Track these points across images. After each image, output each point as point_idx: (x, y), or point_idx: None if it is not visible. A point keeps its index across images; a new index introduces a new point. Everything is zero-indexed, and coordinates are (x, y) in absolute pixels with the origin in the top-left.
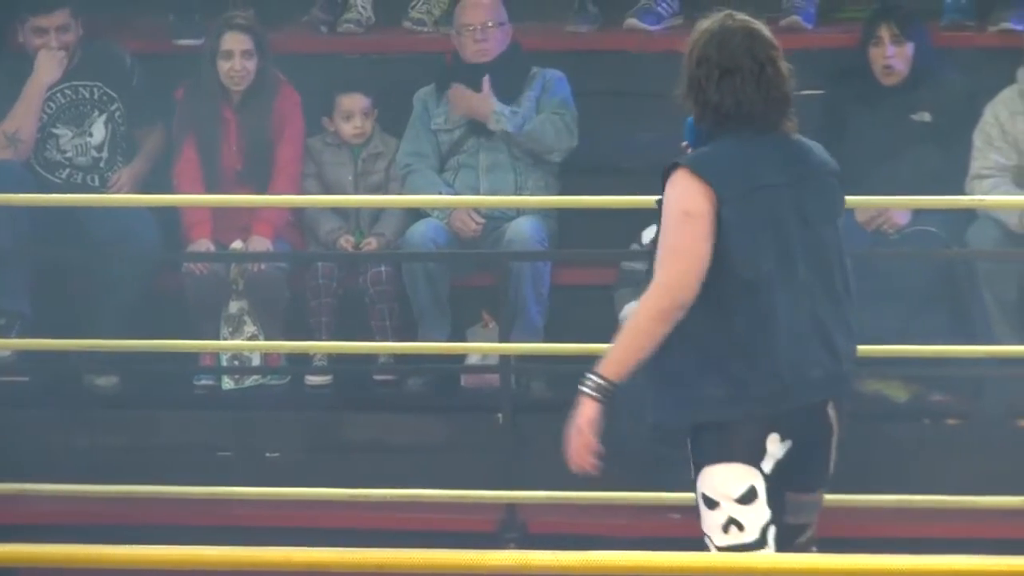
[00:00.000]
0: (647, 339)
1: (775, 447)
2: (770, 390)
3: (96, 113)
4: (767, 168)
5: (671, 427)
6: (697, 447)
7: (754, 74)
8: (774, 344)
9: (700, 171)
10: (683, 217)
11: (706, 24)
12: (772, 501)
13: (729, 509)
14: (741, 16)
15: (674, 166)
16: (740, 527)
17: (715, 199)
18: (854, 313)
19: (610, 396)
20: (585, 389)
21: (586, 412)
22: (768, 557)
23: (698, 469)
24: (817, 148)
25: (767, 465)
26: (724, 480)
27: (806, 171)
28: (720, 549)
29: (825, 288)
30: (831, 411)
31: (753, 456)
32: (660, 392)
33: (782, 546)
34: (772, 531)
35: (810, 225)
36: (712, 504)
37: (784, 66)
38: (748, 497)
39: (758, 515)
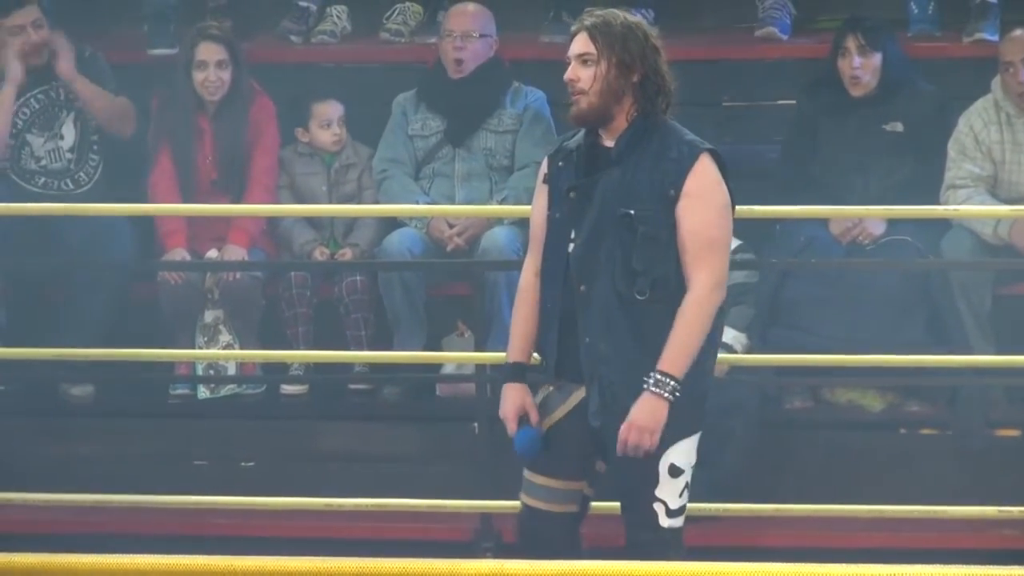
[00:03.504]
0: (704, 335)
1: None
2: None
3: (64, 113)
4: None
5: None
6: (673, 422)
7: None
8: None
9: (719, 159)
10: (725, 210)
11: (620, 16)
12: None
13: (687, 475)
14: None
15: (698, 149)
16: (688, 488)
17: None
18: None
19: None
20: (666, 393)
21: (663, 414)
22: (748, 566)
23: (670, 442)
24: None
25: None
26: (690, 449)
27: None
28: (672, 512)
29: None
30: None
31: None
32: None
33: None
34: None
35: None
36: (677, 472)
37: None
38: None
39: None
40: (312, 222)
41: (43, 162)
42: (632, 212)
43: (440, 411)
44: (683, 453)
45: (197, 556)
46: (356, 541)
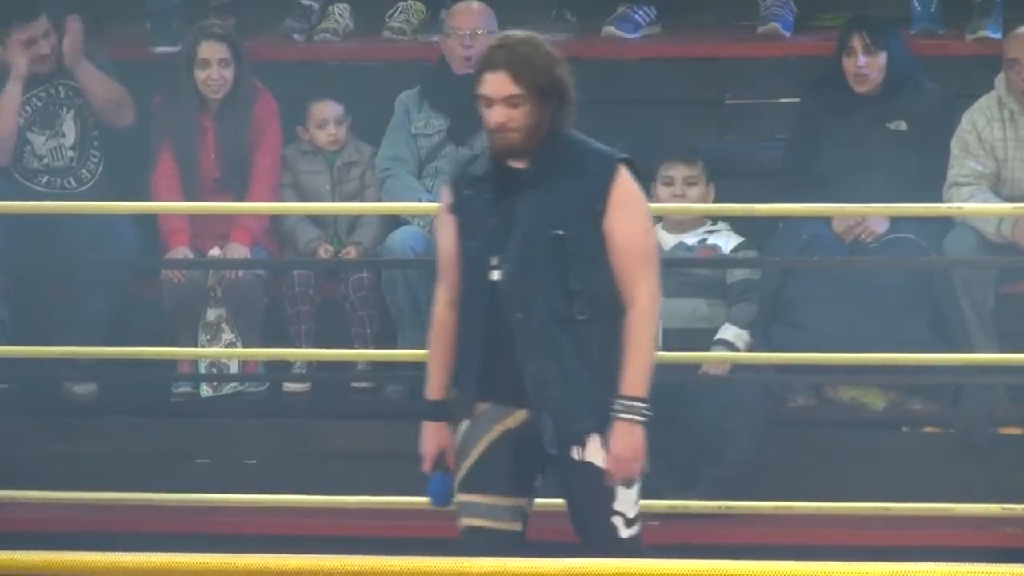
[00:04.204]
0: (656, 347)
1: None
2: None
3: (65, 111)
4: None
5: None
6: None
7: None
8: None
9: (635, 168)
10: (650, 219)
11: (525, 40)
12: None
13: (638, 486)
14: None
15: (615, 160)
16: (639, 492)
17: None
18: None
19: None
20: (638, 417)
21: (641, 437)
22: (751, 565)
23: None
24: None
25: None
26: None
27: None
28: (630, 521)
29: None
30: None
31: None
32: (604, 391)
33: None
34: None
35: None
36: (632, 484)
37: None
38: None
39: None
40: (316, 220)
41: (45, 160)
42: (562, 233)
43: None
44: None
45: (200, 554)
46: (359, 539)
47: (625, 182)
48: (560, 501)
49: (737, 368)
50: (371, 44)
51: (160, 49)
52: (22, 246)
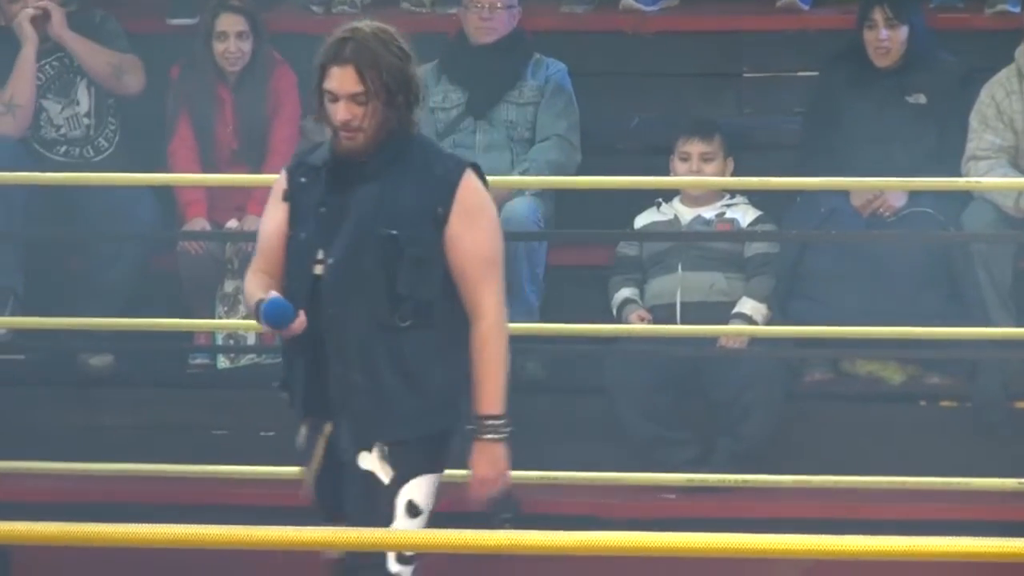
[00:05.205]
0: (507, 359)
1: None
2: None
3: (78, 79)
4: None
5: (422, 436)
6: (417, 456)
7: None
8: None
9: (481, 174)
10: (497, 226)
11: (374, 33)
12: None
13: (425, 518)
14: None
15: (462, 164)
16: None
17: None
18: None
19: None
20: (499, 435)
21: (504, 456)
22: (768, 538)
23: (408, 476)
24: None
25: None
26: (431, 491)
27: None
28: (404, 558)
29: None
30: None
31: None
32: (419, 403)
33: None
34: None
35: None
36: (415, 512)
37: None
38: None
39: None
40: None
41: (62, 130)
42: (396, 233)
43: None
44: (423, 492)
45: (217, 526)
46: None
47: (472, 187)
48: (592, 476)
49: (755, 342)
50: (389, 16)
51: (177, 21)
52: (43, 216)
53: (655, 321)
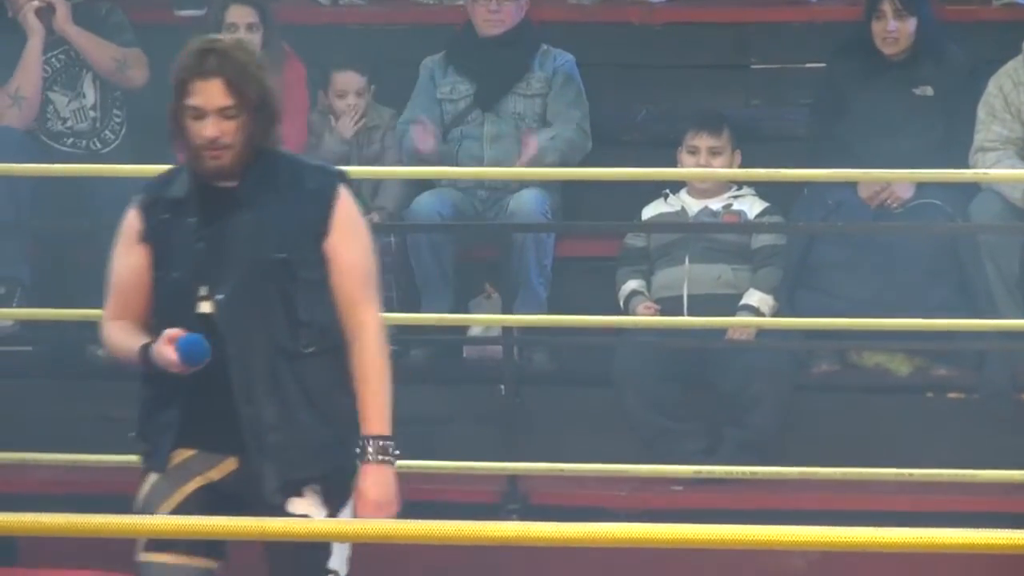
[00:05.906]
0: (390, 375)
1: None
2: None
3: (84, 72)
4: None
5: (338, 467)
6: (338, 487)
7: None
8: None
9: (349, 183)
10: (370, 240)
11: (229, 37)
12: None
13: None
14: None
15: (334, 178)
16: (351, 554)
17: None
18: None
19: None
20: (389, 457)
21: (393, 479)
22: (775, 529)
23: (338, 507)
24: None
25: None
26: (348, 555)
27: None
28: None
29: None
30: None
31: None
32: (331, 432)
33: None
34: None
35: None
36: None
37: None
38: None
39: None
40: None
41: (69, 123)
42: (286, 256)
43: (467, 373)
44: (342, 557)
45: (227, 517)
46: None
47: (347, 201)
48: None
49: (762, 333)
50: (397, 8)
51: (185, 12)
52: (51, 208)
53: (662, 313)
